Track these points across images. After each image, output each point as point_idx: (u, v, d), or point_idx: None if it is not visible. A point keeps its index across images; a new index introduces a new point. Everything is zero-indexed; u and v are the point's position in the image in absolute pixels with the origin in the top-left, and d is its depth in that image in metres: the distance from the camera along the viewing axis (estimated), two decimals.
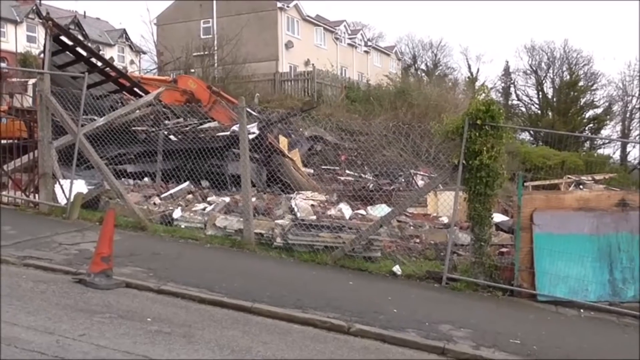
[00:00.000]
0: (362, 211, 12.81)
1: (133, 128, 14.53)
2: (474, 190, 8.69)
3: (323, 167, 17.94)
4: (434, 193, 13.44)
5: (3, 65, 38.74)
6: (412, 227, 11.95)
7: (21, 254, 7.78)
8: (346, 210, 12.31)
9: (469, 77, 57.47)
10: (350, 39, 49.63)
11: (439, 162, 17.14)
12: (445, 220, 12.74)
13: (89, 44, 27.10)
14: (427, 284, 8.79)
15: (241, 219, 9.97)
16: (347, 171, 18.12)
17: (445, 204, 12.59)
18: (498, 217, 11.83)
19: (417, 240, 10.96)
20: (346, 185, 16.01)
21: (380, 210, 12.25)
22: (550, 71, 56.54)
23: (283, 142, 16.21)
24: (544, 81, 56.63)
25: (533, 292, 8.45)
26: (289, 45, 41.11)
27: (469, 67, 63.17)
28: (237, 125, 12.50)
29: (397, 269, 9.04)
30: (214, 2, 40.61)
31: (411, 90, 27.83)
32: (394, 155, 19.44)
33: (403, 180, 17.78)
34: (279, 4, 41.15)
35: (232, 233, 9.99)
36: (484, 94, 9.76)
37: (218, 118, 17.76)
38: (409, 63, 63.60)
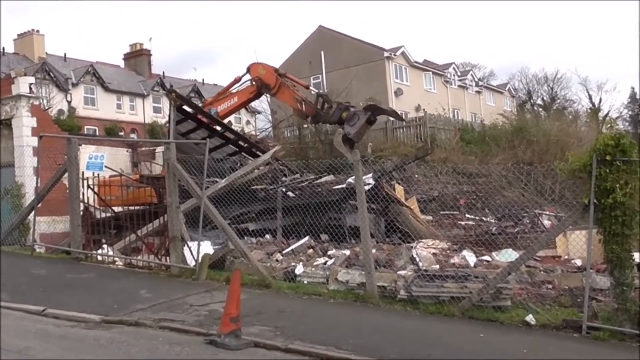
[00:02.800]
0: (486, 257, 12.32)
1: (252, 187, 15.05)
2: (610, 230, 8.07)
3: (442, 212, 17.56)
4: (563, 233, 12.69)
5: (133, 136, 41.95)
6: (542, 272, 11.29)
7: (157, 316, 8.14)
8: (470, 257, 11.89)
9: (590, 109, 54.82)
10: (460, 80, 49.18)
11: (566, 200, 16.26)
12: (578, 262, 11.95)
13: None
14: (565, 333, 8.18)
15: (363, 272, 9.88)
16: (467, 215, 17.61)
17: (575, 244, 11.83)
18: None
19: (550, 286, 10.31)
20: (467, 230, 15.54)
21: (506, 255, 11.73)
22: None
23: (399, 190, 16.08)
24: None
25: None
26: (398, 92, 41.35)
27: (590, 98, 60.45)
28: (353, 177, 12.58)
29: (530, 318, 8.52)
30: (323, 58, 41.83)
31: (529, 127, 26.87)
32: (515, 196, 18.69)
33: (528, 221, 16.99)
34: (386, 53, 41.70)
35: (355, 287, 9.91)
36: (609, 126, 9.22)
37: (284, 100, 18.13)
38: (524, 99, 61.87)
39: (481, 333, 8.08)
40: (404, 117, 34.25)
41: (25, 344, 6.81)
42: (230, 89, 19.02)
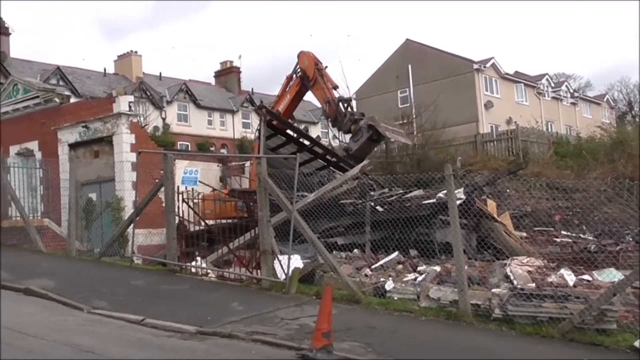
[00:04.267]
0: (586, 276, 11.69)
1: (341, 201, 15.05)
2: None
3: (535, 228, 16.91)
4: None
5: (224, 151, 43.17)
6: None
7: (249, 329, 8.23)
8: (568, 276, 11.32)
9: None
10: (554, 91, 47.50)
11: None
12: None
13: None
14: None
15: (455, 290, 9.61)
16: (563, 232, 16.85)
17: None
18: None
19: None
20: (563, 248, 14.86)
21: (610, 275, 11.08)
22: None
23: (491, 205, 15.61)
24: None
25: None
26: (488, 105, 40.41)
27: None
28: (443, 192, 12.34)
29: (639, 343, 7.97)
30: (410, 71, 41.56)
31: (630, 140, 25.47)
32: (616, 212, 17.71)
33: (631, 239, 16.03)
34: (475, 66, 40.91)
35: (447, 304, 9.64)
36: None
37: (316, 96, 18.01)
38: (624, 110, 58.83)
39: (584, 357, 7.64)
40: (495, 130, 33.44)
41: (127, 352, 7.06)
42: (286, 89, 19.28)
